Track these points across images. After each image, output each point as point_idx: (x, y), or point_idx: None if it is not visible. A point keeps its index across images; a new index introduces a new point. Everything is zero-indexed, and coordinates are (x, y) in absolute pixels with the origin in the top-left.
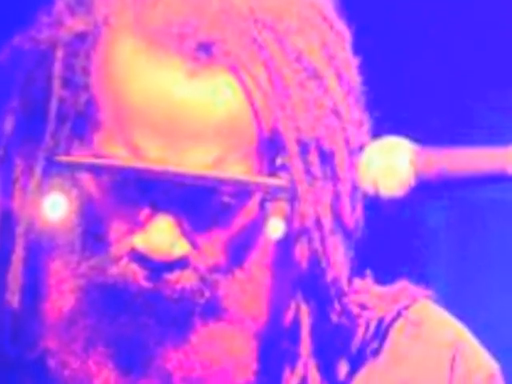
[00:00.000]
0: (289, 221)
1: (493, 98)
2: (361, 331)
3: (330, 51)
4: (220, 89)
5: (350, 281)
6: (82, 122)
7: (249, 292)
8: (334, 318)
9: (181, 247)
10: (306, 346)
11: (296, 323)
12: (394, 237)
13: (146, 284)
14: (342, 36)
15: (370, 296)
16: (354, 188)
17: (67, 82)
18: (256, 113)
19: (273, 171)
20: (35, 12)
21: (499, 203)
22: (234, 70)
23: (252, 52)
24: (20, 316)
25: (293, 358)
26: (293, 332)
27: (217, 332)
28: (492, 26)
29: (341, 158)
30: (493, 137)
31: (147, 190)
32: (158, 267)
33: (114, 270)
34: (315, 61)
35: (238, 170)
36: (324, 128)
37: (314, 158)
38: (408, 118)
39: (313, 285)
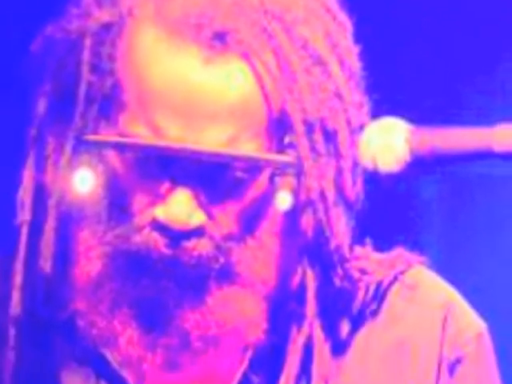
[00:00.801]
0: (296, 194)
1: (480, 83)
2: (361, 294)
3: (333, 40)
4: (233, 74)
5: (351, 248)
6: (108, 104)
7: (259, 258)
8: (337, 281)
9: (197, 218)
10: (311, 308)
11: (302, 286)
12: (390, 208)
13: (166, 251)
14: (343, 26)
15: (369, 262)
16: (355, 164)
17: (95, 68)
18: (266, 96)
19: (281, 149)
20: (65, 4)
21: (486, 178)
22: (246, 56)
23: (262, 40)
24: (52, 280)
25: (299, 319)
26: (299, 294)
27: (230, 295)
28: (478, 15)
29: (343, 137)
30: (480, 118)
31: (167, 166)
32: (177, 236)
33: (137, 239)
34: (319, 48)
35: (249, 147)
36: (328, 109)
37: (318, 136)
38: (404, 101)
39: (317, 252)
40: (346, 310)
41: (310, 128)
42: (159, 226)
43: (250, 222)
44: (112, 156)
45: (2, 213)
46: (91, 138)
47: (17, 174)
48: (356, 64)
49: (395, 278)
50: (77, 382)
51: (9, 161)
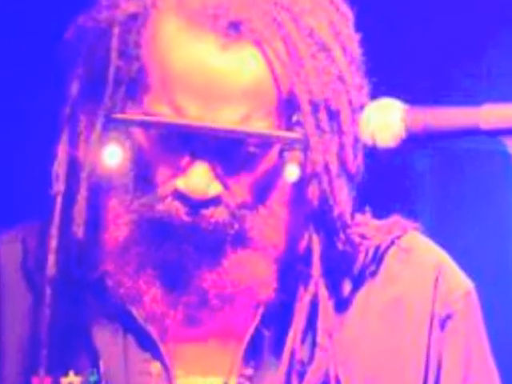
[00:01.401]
0: (302, 166)
1: (467, 67)
2: (361, 257)
3: (336, 28)
4: (246, 59)
5: (352, 216)
6: (134, 86)
7: (270, 225)
8: (340, 245)
9: (215, 188)
10: (316, 269)
11: (309, 250)
12: (387, 180)
13: (186, 218)
14: (345, 16)
15: (368, 228)
16: (356, 140)
17: (122, 54)
18: (276, 79)
19: (290, 126)
20: None
21: (473, 152)
22: (258, 44)
23: (273, 29)
24: (83, 244)
25: (306, 279)
26: (306, 257)
27: (244, 257)
28: (465, 6)
29: (345, 116)
30: (467, 98)
31: (187, 142)
32: (196, 204)
33: (160, 207)
34: (324, 36)
35: (261, 125)
36: (331, 91)
37: (323, 115)
38: (399, 83)
39: (322, 219)
40: (347, 271)
41: (315, 108)
42: (180, 196)
43: (261, 192)
44: (138, 133)
45: (38, 184)
46: (119, 116)
47: (50, 150)
48: (357, 50)
49: (392, 243)
50: (106, 336)
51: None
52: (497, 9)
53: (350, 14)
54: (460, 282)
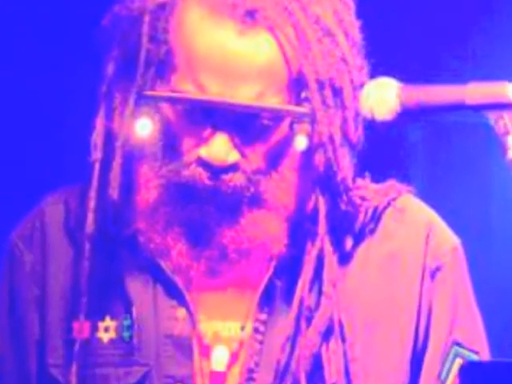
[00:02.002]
0: (310, 137)
1: (454, 49)
2: (361, 216)
3: (340, 16)
4: (261, 43)
5: (353, 180)
6: (163, 67)
7: (282, 188)
8: (343, 206)
9: (233, 156)
10: (322, 227)
11: (315, 210)
12: (384, 149)
13: (208, 182)
14: (348, 5)
15: (368, 191)
16: (357, 114)
17: (152, 39)
18: (287, 60)
19: (299, 102)
20: None
21: (460, 124)
22: (271, 30)
23: (284, 17)
24: (118, 205)
25: (313, 235)
26: (313, 216)
27: (259, 216)
28: None
29: (347, 93)
30: (455, 78)
31: (209, 115)
32: (217, 170)
33: (185, 173)
34: (329, 23)
35: (274, 101)
36: (335, 71)
37: (328, 92)
38: (394, 64)
39: (327, 183)
40: (349, 229)
41: (321, 85)
42: (203, 163)
43: (274, 159)
44: (165, 107)
45: (82, 155)
46: (149, 93)
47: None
48: (357, 35)
49: (388, 204)
50: (138, 286)
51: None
52: None
53: (351, 4)
54: (448, 238)
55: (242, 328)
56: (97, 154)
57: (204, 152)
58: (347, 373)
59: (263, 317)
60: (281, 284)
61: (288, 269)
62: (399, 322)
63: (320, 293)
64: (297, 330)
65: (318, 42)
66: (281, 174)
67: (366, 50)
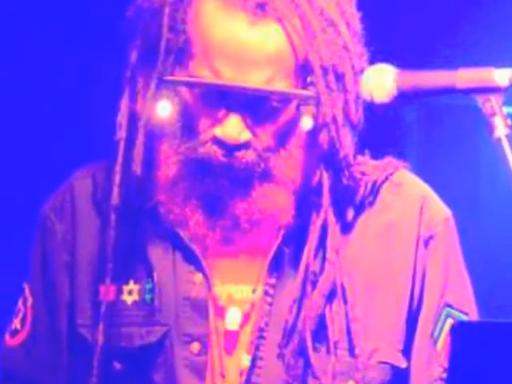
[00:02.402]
0: (315, 118)
1: (446, 38)
2: (361, 190)
3: (342, 8)
4: (270, 33)
5: (354, 157)
6: (181, 54)
7: (289, 164)
8: (345, 180)
9: (245, 135)
10: (326, 199)
11: (320, 184)
12: (382, 128)
13: (222, 159)
14: None
15: (367, 166)
16: (357, 97)
17: (171, 29)
18: (294, 48)
19: (305, 86)
20: None
21: (452, 106)
22: (279, 20)
23: (291, 9)
24: (141, 179)
25: (318, 207)
26: (318, 190)
27: (268, 190)
28: None
29: (349, 78)
30: (446, 64)
31: (223, 98)
32: (230, 148)
33: (202, 150)
34: (332, 15)
35: (282, 85)
36: (338, 58)
37: (331, 77)
38: (392, 52)
39: (330, 159)
40: (350, 201)
41: (325, 71)
42: (218, 141)
43: (282, 138)
44: (184, 91)
45: (108, 134)
46: (169, 78)
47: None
48: (358, 25)
49: (386, 178)
50: (159, 253)
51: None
52: None
53: None
54: (440, 209)
55: (254, 291)
56: (122, 133)
57: (219, 131)
58: (349, 332)
59: (272, 281)
60: (288, 251)
61: (295, 237)
62: (396, 285)
63: (324, 259)
64: (303, 293)
65: (322, 32)
66: (288, 152)
67: (366, 39)
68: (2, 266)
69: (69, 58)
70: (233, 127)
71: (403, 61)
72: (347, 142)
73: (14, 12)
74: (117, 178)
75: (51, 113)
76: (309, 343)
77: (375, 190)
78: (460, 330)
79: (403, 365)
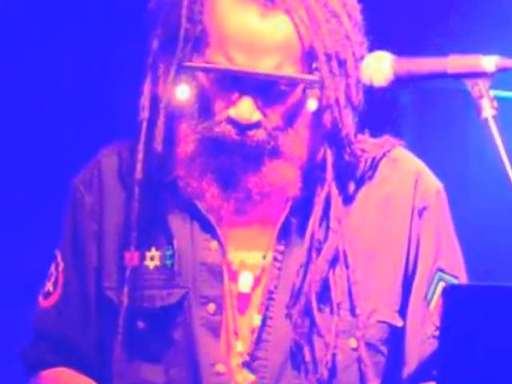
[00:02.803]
0: (319, 100)
1: (438, 28)
2: (362, 165)
3: (344, 1)
4: (279, 23)
5: (355, 135)
6: (198, 43)
7: (296, 142)
8: (346, 157)
9: (256, 116)
10: (330, 174)
11: (324, 160)
12: (380, 109)
13: (236, 137)
14: None
15: (367, 144)
16: (358, 81)
17: (190, 19)
18: (300, 37)
19: (310, 71)
20: None
21: (443, 90)
22: (288, 12)
23: (298, 1)
24: (162, 156)
25: (322, 181)
26: (322, 165)
27: (277, 165)
28: None
29: (350, 64)
30: (438, 51)
31: (237, 82)
32: (243, 127)
33: (217, 129)
34: (335, 7)
35: (290, 70)
36: (340, 46)
37: (334, 63)
38: (389, 41)
39: (334, 137)
40: (352, 176)
41: (328, 58)
42: (231, 121)
43: (290, 118)
44: (201, 76)
45: (132, 115)
46: (188, 64)
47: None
48: (359, 17)
49: (384, 155)
50: (178, 223)
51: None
52: None
53: None
54: (433, 183)
55: (264, 257)
56: (144, 114)
57: (232, 112)
58: (350, 294)
59: (281, 248)
60: (295, 221)
61: (301, 208)
62: (393, 252)
63: (328, 228)
64: (309, 259)
65: (326, 22)
66: (295, 131)
67: (366, 29)
68: (35, 237)
69: (96, 46)
70: (245, 108)
71: (399, 48)
72: (349, 121)
73: None
74: (140, 155)
75: (83, 93)
76: (314, 304)
77: (374, 166)
78: (451, 292)
79: (399, 324)
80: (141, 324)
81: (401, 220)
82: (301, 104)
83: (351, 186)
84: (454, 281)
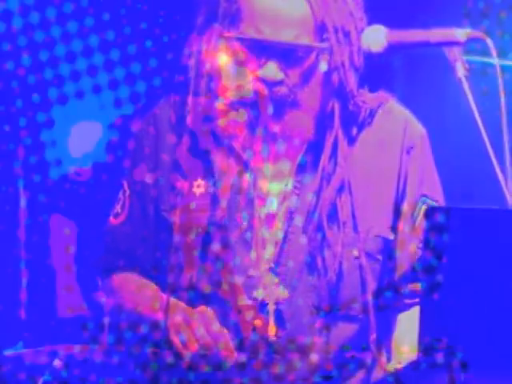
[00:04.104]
0: (329, 63)
1: (422, 6)
2: (362, 114)
3: None
4: (298, 3)
5: (357, 90)
6: (234, 18)
7: (311, 95)
8: (350, 107)
9: (280, 75)
10: (337, 121)
11: (332, 110)
12: (377, 71)
13: (265, 92)
14: None
15: (366, 97)
16: (359, 48)
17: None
18: (314, 13)
19: (322, 40)
20: None
21: (428, 55)
22: None
23: None
24: (206, 107)
25: (331, 127)
26: (331, 115)
27: (296, 114)
28: None
29: (353, 35)
30: (422, 25)
31: (264, 49)
32: (270, 84)
33: (249, 86)
34: None
35: (306, 40)
36: (345, 20)
37: (340, 35)
38: (383, 17)
39: (340, 92)
40: (354, 122)
41: (336, 30)
42: (261, 79)
43: (306, 77)
44: (237, 44)
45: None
46: (226, 35)
47: None
48: None
49: (380, 106)
50: (219, 159)
51: None
52: None
53: None
54: (418, 128)
55: (286, 185)
56: (192, 73)
57: (261, 72)
58: (353, 215)
59: (299, 178)
60: (310, 158)
61: (315, 149)
62: (387, 182)
63: (335, 164)
64: (320, 187)
65: (334, 2)
66: (310, 87)
67: (365, 7)
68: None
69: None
70: (271, 70)
71: (392, 23)
72: (352, 80)
73: None
74: (189, 106)
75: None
76: (324, 223)
77: (372, 115)
78: (431, 213)
79: (392, 237)
80: (189, 238)
81: (393, 156)
82: (314, 66)
83: (354, 131)
84: (434, 204)
